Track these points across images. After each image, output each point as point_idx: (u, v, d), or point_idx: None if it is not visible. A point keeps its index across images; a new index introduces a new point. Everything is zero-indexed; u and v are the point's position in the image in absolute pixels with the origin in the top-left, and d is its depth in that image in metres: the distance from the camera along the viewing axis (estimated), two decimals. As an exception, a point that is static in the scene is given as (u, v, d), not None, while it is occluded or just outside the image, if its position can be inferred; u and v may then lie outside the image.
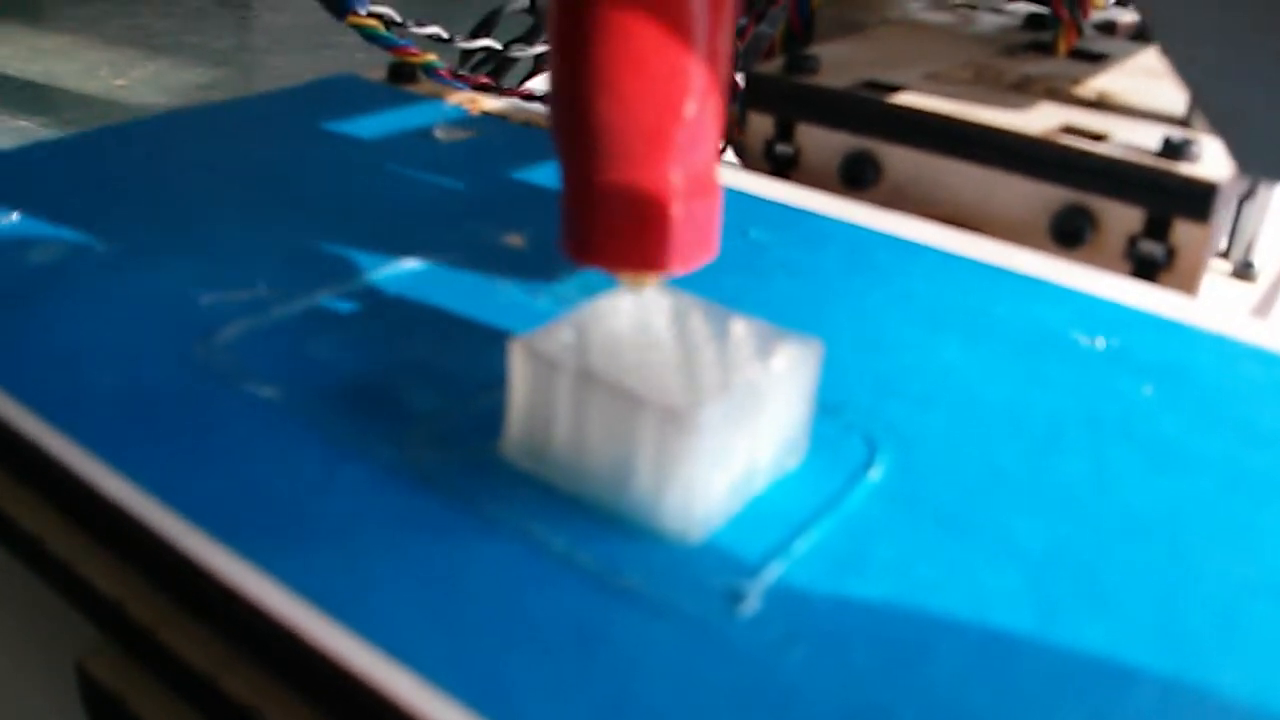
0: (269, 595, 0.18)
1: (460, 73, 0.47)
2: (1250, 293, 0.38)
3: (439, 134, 0.39)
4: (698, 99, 0.21)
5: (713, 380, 0.20)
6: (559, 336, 0.21)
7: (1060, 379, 0.26)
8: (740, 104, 0.44)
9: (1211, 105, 0.18)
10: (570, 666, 0.17)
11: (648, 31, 0.20)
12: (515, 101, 0.43)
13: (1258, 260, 0.38)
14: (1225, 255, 0.39)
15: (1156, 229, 0.33)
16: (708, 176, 0.22)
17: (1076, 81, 0.39)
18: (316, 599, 0.18)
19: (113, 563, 0.21)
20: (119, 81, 1.53)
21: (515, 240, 0.31)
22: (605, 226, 0.21)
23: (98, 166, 0.35)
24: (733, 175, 0.37)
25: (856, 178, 0.38)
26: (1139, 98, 0.38)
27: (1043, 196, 0.35)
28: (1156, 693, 0.17)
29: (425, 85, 0.44)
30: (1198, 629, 0.19)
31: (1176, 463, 0.23)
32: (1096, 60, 0.42)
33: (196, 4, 1.88)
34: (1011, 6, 0.50)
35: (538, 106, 0.43)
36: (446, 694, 0.16)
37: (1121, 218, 0.34)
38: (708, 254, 0.22)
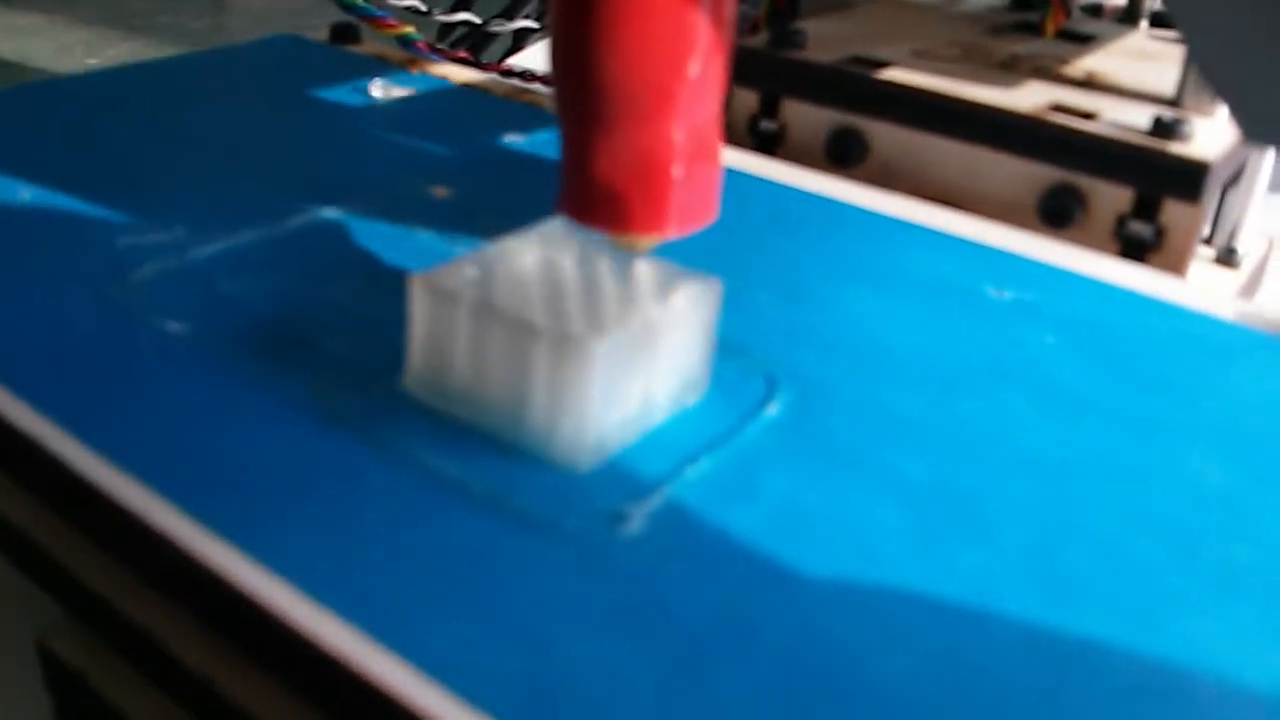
0: (172, 523, 0.18)
1: (439, 47, 0.47)
2: (1233, 279, 0.37)
3: (375, 92, 0.38)
4: (701, 58, 0.20)
5: (610, 314, 0.21)
6: (461, 272, 0.21)
7: (966, 328, 0.26)
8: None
9: (1218, 72, 0.17)
10: (455, 586, 0.18)
11: None
12: (494, 77, 0.42)
13: (1241, 246, 0.38)
14: (1209, 241, 0.38)
15: (1146, 209, 0.33)
16: (709, 140, 0.22)
17: (1065, 61, 0.39)
18: (217, 527, 0.18)
19: (24, 497, 0.21)
20: (92, 60, 1.51)
21: (441, 192, 0.31)
22: (604, 187, 0.21)
23: (34, 119, 0.35)
24: None
25: (843, 155, 0.37)
26: (1128, 78, 0.38)
27: (1031, 175, 0.34)
28: (1027, 619, 0.18)
29: (367, 45, 0.44)
30: (1073, 561, 0.19)
31: (1071, 408, 0.23)
32: (1084, 41, 0.42)
33: (173, -16, 1.86)
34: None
35: (515, 83, 0.42)
36: (339, 615, 0.17)
37: (1111, 197, 0.33)
38: (706, 218, 0.22)
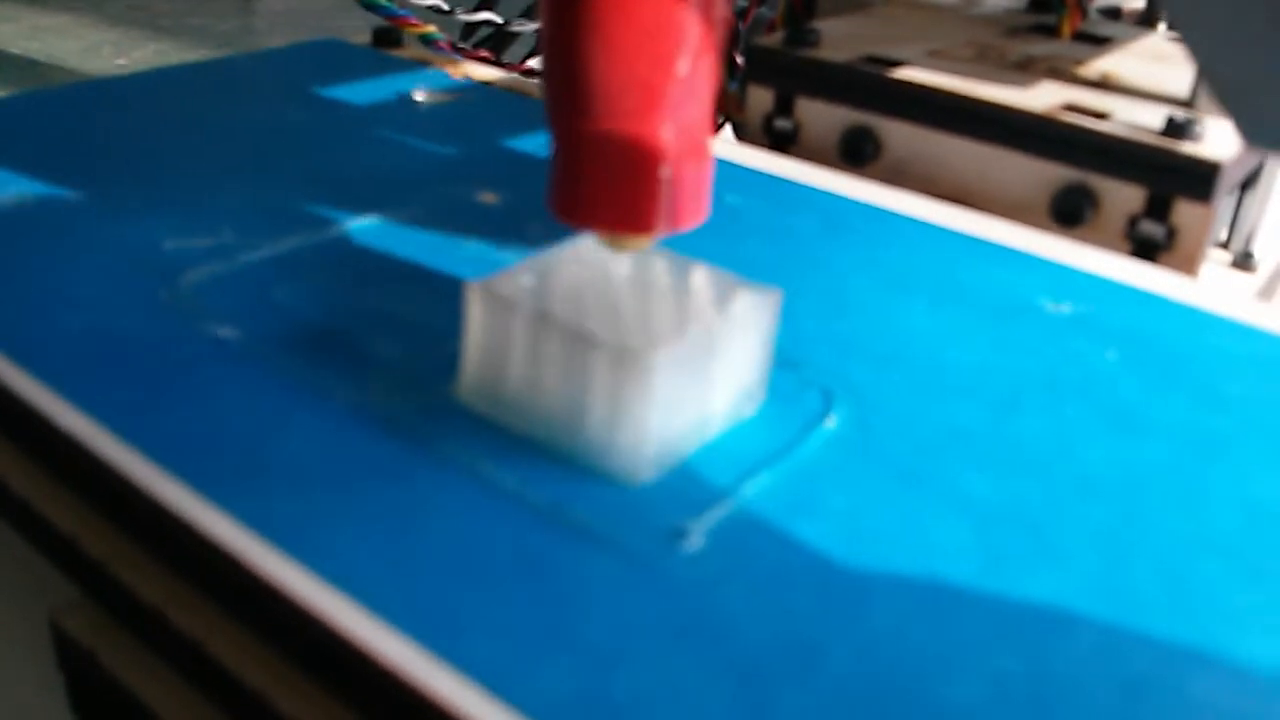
0: (224, 531, 0.18)
1: (461, 46, 0.47)
2: (1250, 283, 0.37)
3: (419, 97, 0.38)
4: (691, 56, 0.20)
5: (668, 325, 0.20)
6: (517, 280, 0.21)
7: (1024, 342, 0.26)
8: (740, 83, 0.43)
9: (1218, 76, 0.17)
10: (513, 599, 0.17)
11: None
12: (515, 76, 0.43)
13: (1257, 251, 0.38)
14: (1225, 246, 0.38)
15: (1157, 209, 0.33)
16: (700, 138, 0.21)
17: (1080, 62, 0.39)
18: (270, 535, 0.18)
19: (71, 499, 0.21)
20: (120, 61, 1.52)
21: (488, 198, 0.31)
22: (593, 185, 0.21)
23: (78, 121, 0.35)
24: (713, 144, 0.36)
25: (856, 153, 0.37)
26: (1143, 79, 0.38)
27: (1043, 174, 0.34)
28: (1096, 637, 0.17)
29: (409, 50, 0.44)
30: (1142, 582, 0.19)
31: (1132, 425, 0.23)
32: (1100, 43, 0.42)
33: (200, -14, 1.88)
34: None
35: (537, 82, 0.42)
36: (393, 626, 0.17)
37: (1122, 197, 0.33)
38: (697, 217, 0.22)
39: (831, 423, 0.22)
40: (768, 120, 0.39)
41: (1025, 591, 0.18)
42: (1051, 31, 0.43)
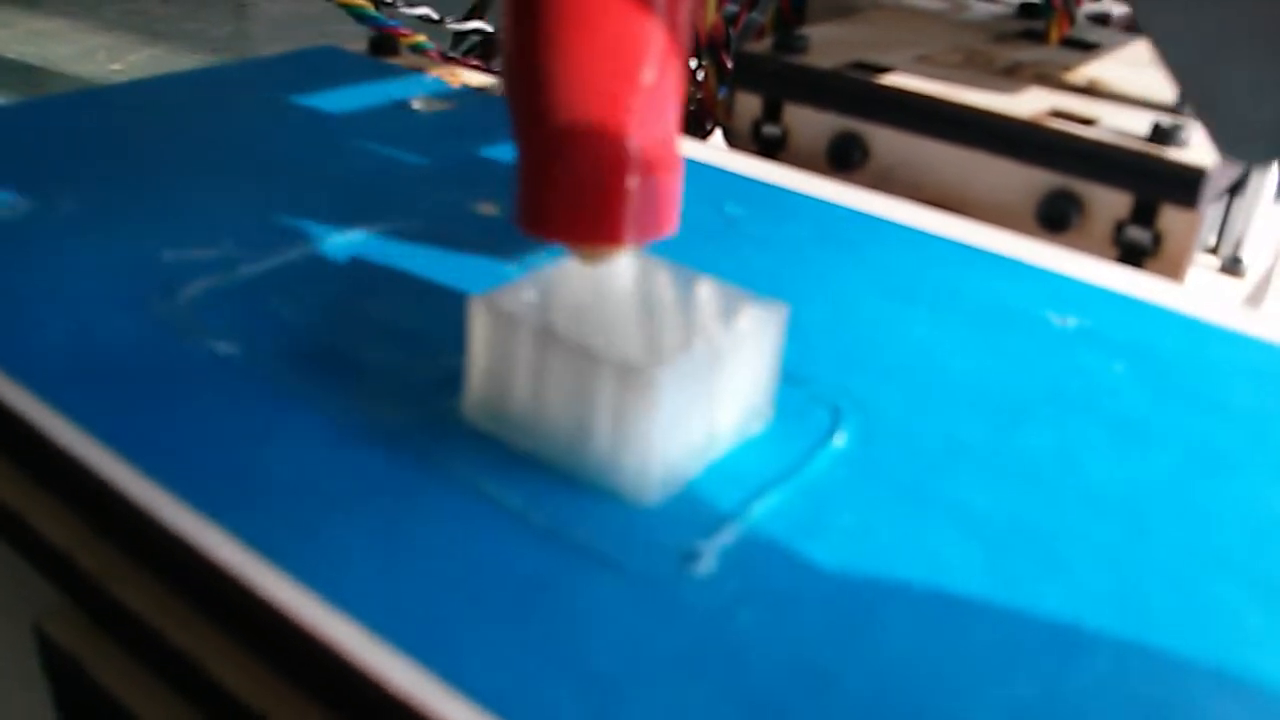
0: (217, 545, 0.18)
1: (450, 54, 0.47)
2: (1239, 288, 0.37)
3: (417, 105, 0.38)
4: (654, 67, 0.20)
5: (674, 340, 0.20)
6: (521, 294, 0.21)
7: (1029, 355, 0.26)
8: (729, 87, 0.43)
9: (1193, 86, 0.17)
10: (517, 621, 0.17)
11: None
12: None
13: (1246, 256, 0.38)
14: (1214, 251, 0.38)
15: (1144, 214, 0.33)
16: (667, 147, 0.21)
17: (1067, 68, 0.39)
18: (265, 550, 0.18)
19: (63, 512, 0.21)
20: (115, 66, 1.52)
21: (488, 208, 0.31)
22: (559, 197, 0.20)
23: (74, 129, 0.35)
24: (710, 152, 0.36)
25: (844, 159, 0.37)
26: (1130, 85, 0.38)
27: (1029, 180, 0.34)
28: (1111, 660, 0.17)
29: (405, 58, 0.44)
30: (1154, 600, 0.18)
31: (1139, 439, 0.23)
32: (1088, 49, 0.42)
33: (196, -9, 1.88)
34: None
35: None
36: (391, 645, 0.16)
37: (1109, 203, 0.33)
38: (665, 228, 0.21)
39: (840, 440, 0.22)
40: (756, 126, 0.39)
41: (1037, 610, 0.18)
42: (1039, 37, 0.43)
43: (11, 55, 1.55)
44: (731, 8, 0.48)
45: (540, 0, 0.20)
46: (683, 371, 0.19)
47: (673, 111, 0.21)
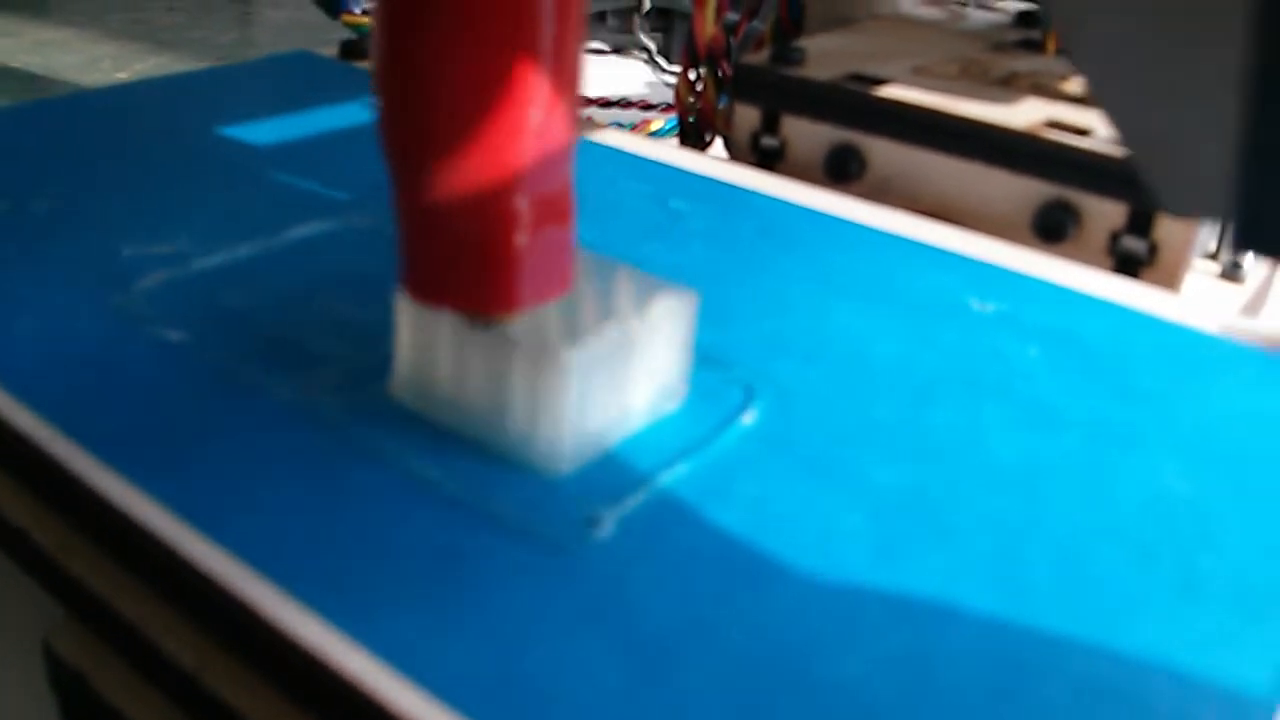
0: (152, 516, 0.19)
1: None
2: (1238, 294, 0.38)
3: None
4: (538, 123, 0.19)
5: (587, 324, 0.21)
6: None
7: (947, 340, 0.27)
8: (729, 99, 0.43)
9: (1133, 132, 0.16)
10: (431, 584, 0.18)
11: (479, 33, 0.18)
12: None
13: (1245, 262, 0.38)
14: (1213, 257, 0.38)
15: (1139, 224, 0.33)
16: (559, 206, 0.20)
17: (1063, 78, 0.39)
18: (200, 523, 0.19)
19: (19, 492, 0.22)
20: (121, 74, 1.53)
21: None
22: (442, 263, 0.20)
23: (46, 134, 0.36)
24: (655, 147, 0.37)
25: (841, 171, 0.37)
26: (1126, 94, 0.38)
27: (1026, 191, 0.35)
28: (982, 622, 0.18)
29: None
30: (1035, 566, 0.19)
31: (1046, 419, 0.24)
32: (1086, 58, 0.42)
33: (201, -1, 1.88)
34: (1002, 4, 0.50)
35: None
36: (310, 608, 0.17)
37: (1104, 213, 0.33)
38: (559, 288, 0.21)
39: (750, 418, 0.23)
40: (755, 137, 0.39)
41: (917, 576, 0.19)
42: (1036, 47, 0.43)
43: (17, 64, 1.55)
44: (732, 17, 0.48)
45: (412, 47, 0.18)
46: (593, 352, 0.21)
47: (563, 165, 0.20)
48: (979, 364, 0.26)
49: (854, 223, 0.33)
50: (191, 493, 0.20)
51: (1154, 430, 0.24)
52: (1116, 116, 0.16)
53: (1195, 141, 0.15)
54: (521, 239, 0.19)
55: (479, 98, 0.18)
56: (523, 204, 0.19)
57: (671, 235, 0.31)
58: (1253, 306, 0.38)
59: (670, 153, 0.37)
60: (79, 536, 0.21)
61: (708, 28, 0.42)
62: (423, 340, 0.22)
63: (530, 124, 0.19)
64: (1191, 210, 0.16)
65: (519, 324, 0.21)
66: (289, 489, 0.20)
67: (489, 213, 0.19)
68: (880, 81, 0.38)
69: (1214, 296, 0.37)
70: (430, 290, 0.21)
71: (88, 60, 1.57)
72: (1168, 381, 0.25)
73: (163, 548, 0.19)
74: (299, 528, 0.19)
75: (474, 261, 0.20)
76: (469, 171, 0.19)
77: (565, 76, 0.19)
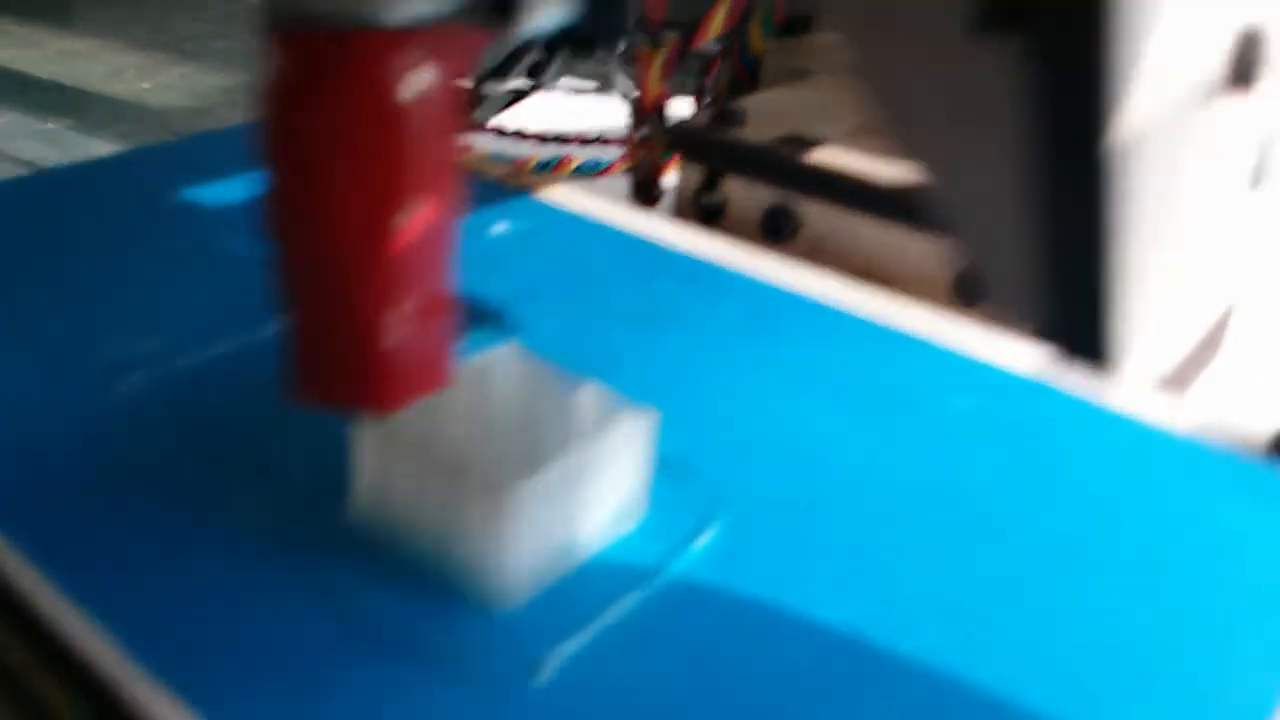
0: (100, 652, 0.20)
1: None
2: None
3: None
4: (409, 225, 0.19)
5: (540, 454, 0.21)
6: (405, 412, 0.22)
7: (914, 441, 0.27)
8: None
9: (969, 235, 0.16)
10: None
11: (349, 133, 0.18)
12: (488, 157, 0.44)
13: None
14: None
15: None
16: (434, 296, 0.20)
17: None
18: (141, 658, 0.20)
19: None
20: (145, 84, 1.55)
21: None
22: (316, 363, 0.20)
23: (21, 216, 0.36)
24: (646, 221, 0.38)
25: (776, 230, 0.39)
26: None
27: (945, 254, 0.36)
28: None
29: None
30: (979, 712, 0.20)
31: (1002, 534, 0.24)
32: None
33: (226, 8, 1.91)
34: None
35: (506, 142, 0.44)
36: None
37: (1019, 278, 0.35)
38: (433, 384, 0.21)
39: (705, 540, 0.23)
40: (697, 195, 0.41)
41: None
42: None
43: (44, 75, 1.58)
44: (711, 49, 0.50)
45: (288, 140, 0.19)
46: (543, 486, 0.21)
47: (438, 264, 0.20)
48: (945, 470, 0.26)
49: (839, 310, 0.32)
50: (140, 628, 0.20)
51: (1111, 549, 0.24)
52: (950, 213, 0.16)
53: (1017, 252, 0.15)
54: (392, 341, 0.20)
55: (345, 214, 0.19)
56: (392, 310, 0.20)
57: (651, 319, 0.31)
58: (1178, 380, 0.39)
59: (658, 225, 0.37)
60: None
61: (653, 86, 0.44)
62: (381, 468, 0.22)
63: (392, 239, 0.19)
64: (1021, 315, 0.16)
65: (474, 451, 0.21)
66: (225, 620, 0.21)
67: (358, 319, 0.20)
68: (814, 144, 0.39)
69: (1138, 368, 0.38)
70: (305, 391, 0.21)
71: (112, 70, 1.60)
72: (1132, 490, 0.25)
73: (105, 679, 0.19)
74: (234, 664, 0.20)
75: (348, 364, 0.20)
76: (336, 280, 0.19)
77: (435, 192, 0.20)
